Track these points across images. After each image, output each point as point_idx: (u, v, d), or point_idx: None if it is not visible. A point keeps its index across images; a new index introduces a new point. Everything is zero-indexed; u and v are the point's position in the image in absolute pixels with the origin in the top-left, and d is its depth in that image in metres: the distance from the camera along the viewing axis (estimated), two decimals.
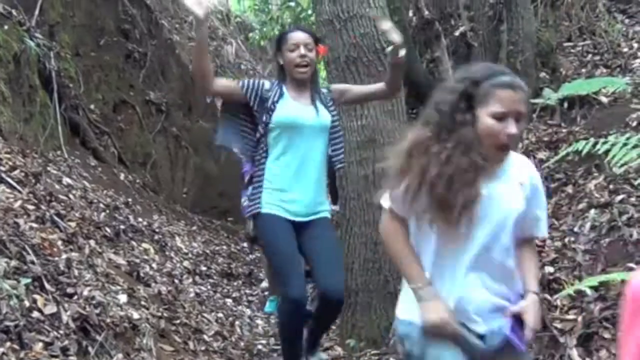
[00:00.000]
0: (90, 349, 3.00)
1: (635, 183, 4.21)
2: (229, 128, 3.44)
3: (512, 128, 2.06)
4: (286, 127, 3.35)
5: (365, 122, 4.53)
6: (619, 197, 4.24)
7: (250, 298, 6.50)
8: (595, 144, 4.09)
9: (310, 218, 3.41)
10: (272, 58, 4.85)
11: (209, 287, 6.21)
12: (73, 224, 4.46)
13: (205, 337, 4.49)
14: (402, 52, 3.29)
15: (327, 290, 3.29)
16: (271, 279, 5.67)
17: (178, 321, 4.34)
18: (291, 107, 3.38)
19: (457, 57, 6.75)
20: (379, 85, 3.66)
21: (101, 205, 5.72)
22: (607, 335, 3.39)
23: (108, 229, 5.18)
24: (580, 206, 4.44)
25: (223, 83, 3.49)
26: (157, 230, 6.50)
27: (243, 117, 3.42)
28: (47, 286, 3.16)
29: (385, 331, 4.44)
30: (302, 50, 3.39)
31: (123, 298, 3.80)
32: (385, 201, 2.22)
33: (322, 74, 5.33)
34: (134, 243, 5.54)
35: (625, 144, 3.88)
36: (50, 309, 3.00)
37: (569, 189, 4.70)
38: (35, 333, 2.78)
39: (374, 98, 3.98)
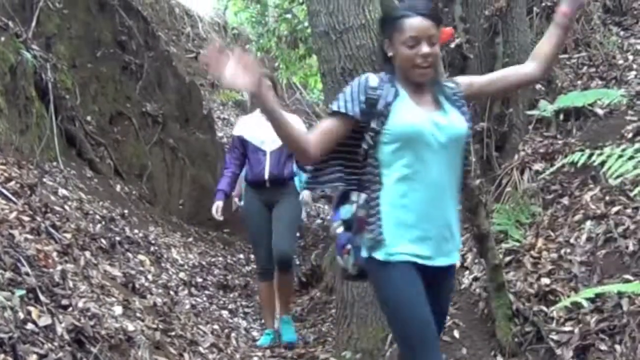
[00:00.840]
0: None
1: (631, 194, 4.22)
2: (330, 166, 2.57)
3: None
4: (409, 140, 2.45)
5: None
6: (615, 209, 4.25)
7: (246, 310, 6.48)
8: (591, 155, 4.09)
9: (441, 264, 2.54)
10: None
11: (204, 298, 6.19)
12: (68, 236, 4.44)
13: (200, 349, 4.47)
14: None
15: None
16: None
17: (173, 333, 4.31)
18: (414, 113, 2.48)
19: (452, 69, 6.77)
20: (521, 70, 2.89)
21: (97, 216, 5.71)
22: (603, 347, 3.39)
23: (104, 241, 5.16)
24: (576, 218, 4.44)
25: (322, 139, 2.47)
26: (153, 241, 6.49)
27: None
28: (42, 298, 3.14)
29: (381, 343, 4.42)
30: (425, 48, 2.42)
31: (118, 310, 3.78)
32: None
33: (318, 85, 5.33)
34: (129, 254, 5.53)
35: (620, 156, 3.88)
36: (45, 320, 2.98)
37: (565, 201, 4.70)
38: (29, 345, 2.76)
39: (513, 87, 3.06)
